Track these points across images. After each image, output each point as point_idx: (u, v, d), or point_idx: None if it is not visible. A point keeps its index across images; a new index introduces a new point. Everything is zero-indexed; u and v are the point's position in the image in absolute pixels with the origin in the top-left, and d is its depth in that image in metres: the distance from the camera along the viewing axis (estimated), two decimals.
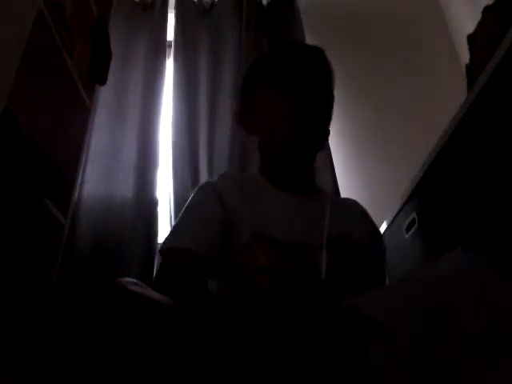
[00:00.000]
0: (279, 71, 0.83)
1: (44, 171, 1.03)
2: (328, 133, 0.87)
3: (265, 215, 0.76)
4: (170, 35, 1.80)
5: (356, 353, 0.42)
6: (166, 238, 0.75)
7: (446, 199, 0.94)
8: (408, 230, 1.10)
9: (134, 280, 0.52)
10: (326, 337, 0.46)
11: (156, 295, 0.50)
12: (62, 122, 1.24)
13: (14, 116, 0.95)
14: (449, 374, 0.41)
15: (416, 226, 1.06)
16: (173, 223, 1.45)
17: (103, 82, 1.36)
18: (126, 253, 1.38)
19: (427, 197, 1.03)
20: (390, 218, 1.22)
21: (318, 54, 0.86)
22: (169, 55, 1.79)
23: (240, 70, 1.65)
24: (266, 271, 0.70)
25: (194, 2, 1.87)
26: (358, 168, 1.72)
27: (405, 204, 1.13)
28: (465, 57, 1.02)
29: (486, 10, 0.92)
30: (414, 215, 1.07)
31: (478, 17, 0.95)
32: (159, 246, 0.76)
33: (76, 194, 1.36)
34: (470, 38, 0.98)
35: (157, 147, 1.58)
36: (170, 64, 1.76)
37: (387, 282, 0.88)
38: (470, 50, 0.98)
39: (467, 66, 0.98)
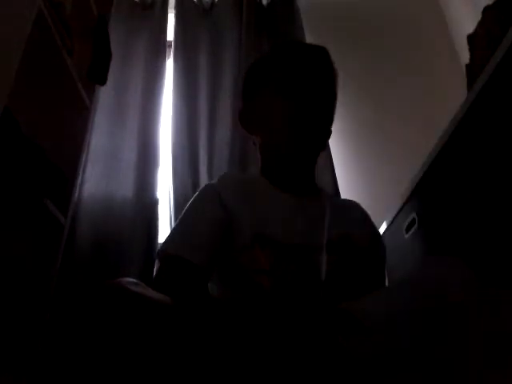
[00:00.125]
0: (280, 74, 0.82)
1: (44, 171, 1.03)
2: (330, 133, 0.87)
3: (265, 216, 0.76)
4: (170, 35, 1.80)
5: (335, 343, 0.44)
6: (166, 243, 0.74)
7: (446, 199, 0.94)
8: (408, 230, 1.10)
9: (135, 280, 0.52)
10: (311, 331, 0.47)
11: (156, 295, 0.50)
12: (62, 122, 1.24)
13: (14, 116, 0.94)
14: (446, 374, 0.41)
15: (416, 225, 1.06)
16: (173, 223, 1.45)
17: (103, 82, 1.36)
18: (126, 253, 1.38)
19: (427, 197, 1.03)
20: (390, 218, 1.22)
21: (320, 54, 0.84)
22: (169, 55, 1.79)
23: (240, 70, 1.65)
24: (267, 272, 0.70)
25: (193, 2, 1.87)
26: (357, 168, 1.72)
27: (405, 204, 1.13)
28: (465, 57, 1.02)
29: (486, 10, 0.92)
30: (413, 215, 1.07)
31: (478, 17, 0.95)
32: (159, 246, 0.76)
33: (76, 194, 1.36)
34: (470, 38, 0.98)
35: (157, 147, 1.58)
36: (169, 64, 1.76)
37: (387, 283, 0.88)
38: (470, 50, 0.98)
39: (467, 66, 0.98)
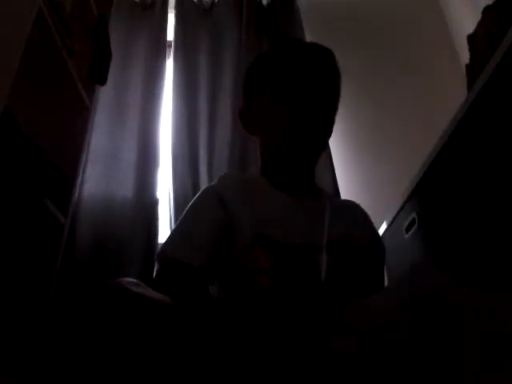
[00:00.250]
0: (282, 79, 0.80)
1: (44, 171, 1.03)
2: (330, 134, 0.86)
3: (265, 216, 0.76)
4: (170, 35, 1.80)
5: (320, 339, 0.45)
6: (165, 245, 0.74)
7: (446, 199, 0.94)
8: (408, 230, 1.10)
9: (135, 280, 0.52)
10: (299, 329, 0.47)
11: (157, 295, 0.50)
12: (62, 122, 1.24)
13: (14, 116, 0.94)
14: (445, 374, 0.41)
15: (416, 225, 1.06)
16: (173, 223, 1.45)
17: (103, 82, 1.36)
18: (126, 253, 1.38)
19: (427, 197, 1.03)
20: (390, 218, 1.22)
21: (325, 58, 0.82)
22: (169, 55, 1.79)
23: (240, 70, 1.65)
24: (267, 272, 0.70)
25: (193, 2, 1.87)
26: (357, 168, 1.72)
27: (405, 204, 1.13)
28: (465, 57, 1.02)
29: (486, 10, 0.92)
30: (413, 215, 1.07)
31: (478, 17, 0.95)
32: (159, 246, 0.76)
33: (76, 194, 1.36)
34: (470, 38, 0.98)
35: (157, 147, 1.58)
36: (169, 64, 1.76)
37: (386, 283, 0.88)
38: (470, 50, 0.98)
39: (467, 66, 0.98)
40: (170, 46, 1.79)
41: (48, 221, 1.08)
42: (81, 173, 1.40)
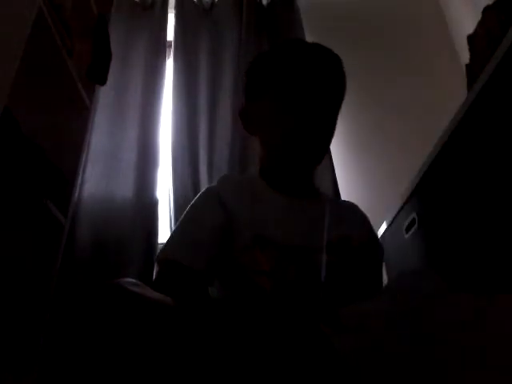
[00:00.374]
0: (284, 78, 0.79)
1: (44, 171, 1.03)
2: (332, 136, 0.85)
3: (265, 217, 0.76)
4: (170, 35, 1.80)
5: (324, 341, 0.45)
6: (165, 247, 0.74)
7: (446, 199, 0.94)
8: (408, 230, 1.10)
9: (134, 280, 0.52)
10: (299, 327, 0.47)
11: (156, 295, 0.50)
12: (62, 122, 1.24)
13: (14, 116, 0.95)
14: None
15: (416, 226, 1.06)
16: (173, 223, 1.45)
17: (103, 82, 1.36)
18: (126, 253, 1.38)
19: (427, 197, 1.03)
20: (390, 218, 1.22)
21: (327, 57, 0.81)
22: (169, 55, 1.79)
23: (240, 71, 1.65)
24: (267, 273, 0.70)
25: (193, 2, 1.87)
26: (357, 168, 1.72)
27: (405, 204, 1.13)
28: (465, 57, 1.02)
29: (486, 10, 0.92)
30: (413, 215, 1.07)
31: (478, 17, 0.95)
32: (159, 246, 0.76)
33: (76, 194, 1.36)
34: (470, 38, 0.98)
35: (157, 147, 1.58)
36: (169, 64, 1.76)
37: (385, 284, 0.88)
38: (470, 49, 0.98)
39: (467, 66, 0.98)
40: (169, 46, 1.79)
41: (48, 221, 1.08)
42: (81, 173, 1.40)
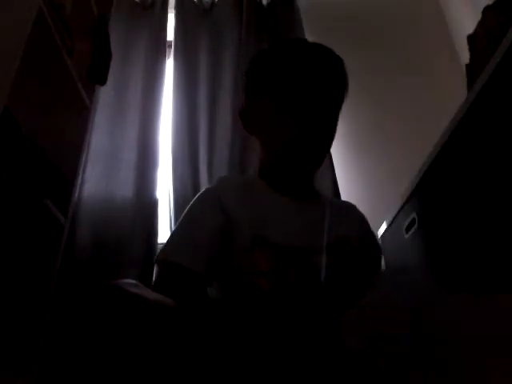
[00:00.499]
0: (286, 79, 0.77)
1: (44, 171, 1.03)
2: (333, 138, 0.84)
3: (265, 218, 0.76)
4: (170, 35, 1.80)
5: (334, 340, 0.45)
6: (165, 249, 0.73)
7: (446, 199, 0.94)
8: (408, 230, 1.10)
9: (134, 281, 0.52)
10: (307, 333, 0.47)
11: (156, 296, 0.50)
12: (61, 122, 1.24)
13: (14, 116, 0.95)
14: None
15: (416, 226, 1.06)
16: (173, 223, 1.45)
17: (103, 82, 1.36)
18: (126, 253, 1.38)
19: (427, 197, 1.03)
20: (390, 218, 1.22)
21: (329, 57, 0.80)
22: (169, 55, 1.79)
23: (240, 70, 1.65)
24: (266, 274, 0.70)
25: (194, 2, 1.88)
26: (357, 168, 1.72)
27: (405, 204, 1.13)
28: (465, 57, 1.02)
29: (486, 10, 0.92)
30: (414, 215, 1.07)
31: (478, 17, 0.95)
32: (159, 247, 0.76)
33: (76, 194, 1.36)
34: (470, 38, 0.98)
35: (157, 147, 1.58)
36: (169, 64, 1.76)
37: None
38: (470, 49, 0.98)
39: (467, 66, 0.98)
40: (169, 46, 1.79)
41: (48, 221, 1.07)
42: (81, 173, 1.40)
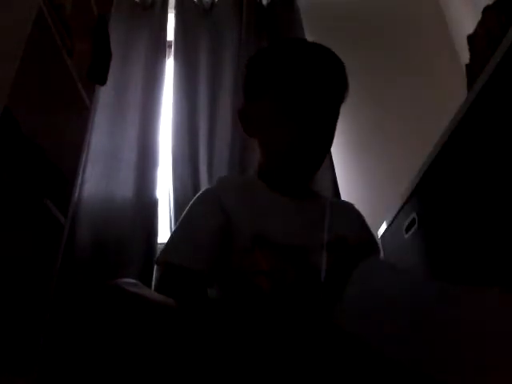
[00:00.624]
0: (286, 81, 0.76)
1: (44, 171, 1.03)
2: (333, 140, 0.84)
3: (264, 218, 0.76)
4: (170, 35, 1.80)
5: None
6: (166, 251, 0.73)
7: (446, 199, 0.94)
8: (408, 230, 1.10)
9: (133, 281, 0.52)
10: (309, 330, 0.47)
11: (156, 296, 0.50)
12: (61, 122, 1.24)
13: (14, 116, 0.94)
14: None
15: (416, 225, 1.06)
16: (173, 223, 1.45)
17: (103, 82, 1.36)
18: (126, 253, 1.38)
19: (427, 197, 1.03)
20: (390, 218, 1.23)
21: (329, 59, 0.79)
22: (169, 55, 1.79)
23: (240, 70, 1.65)
24: (266, 274, 0.70)
25: (194, 2, 1.88)
26: (358, 168, 1.72)
27: (405, 204, 1.13)
28: (465, 57, 1.02)
29: (486, 10, 0.92)
30: (414, 215, 1.07)
31: (478, 17, 0.95)
32: (159, 247, 0.76)
33: (76, 194, 1.36)
34: (470, 38, 0.98)
35: (157, 147, 1.58)
36: (170, 64, 1.76)
37: None
38: (470, 49, 0.98)
39: (467, 66, 0.98)
40: (169, 46, 1.79)
41: (48, 221, 1.07)
42: (81, 173, 1.40)
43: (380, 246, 1.14)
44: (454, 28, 1.92)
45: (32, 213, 1.04)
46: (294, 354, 0.45)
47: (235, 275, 0.73)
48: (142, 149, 1.55)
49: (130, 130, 1.59)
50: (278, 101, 0.77)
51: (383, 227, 1.28)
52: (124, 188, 1.49)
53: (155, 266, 1.22)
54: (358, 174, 1.70)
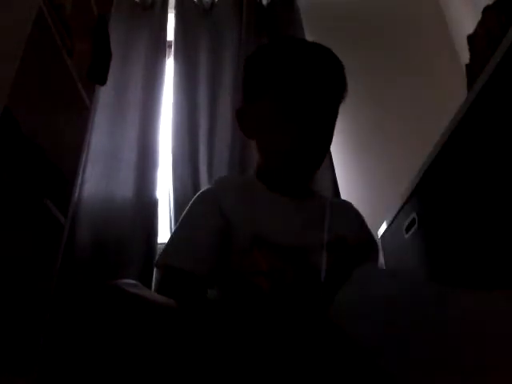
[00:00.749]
0: (286, 86, 0.76)
1: (44, 171, 1.03)
2: (331, 141, 0.84)
3: (263, 218, 0.76)
4: (170, 35, 1.80)
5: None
6: (166, 253, 0.73)
7: (446, 199, 0.94)
8: (408, 230, 1.10)
9: (133, 281, 0.52)
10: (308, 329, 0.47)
11: (155, 297, 0.50)
12: (62, 122, 1.24)
13: (14, 116, 0.94)
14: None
15: (416, 226, 1.06)
16: (173, 223, 1.45)
17: (103, 82, 1.36)
18: (126, 253, 1.38)
19: (427, 197, 1.03)
20: (390, 218, 1.23)
21: (332, 66, 0.79)
22: (169, 55, 1.79)
23: (240, 70, 1.65)
24: (265, 274, 0.70)
25: (194, 2, 1.87)
26: (358, 168, 1.72)
27: (405, 204, 1.13)
28: (465, 57, 1.02)
29: (486, 10, 0.92)
30: (414, 215, 1.07)
31: (478, 17, 0.95)
32: (159, 247, 0.76)
33: (76, 194, 1.36)
34: (470, 38, 0.98)
35: (157, 147, 1.58)
36: (170, 64, 1.76)
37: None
38: (470, 49, 0.98)
39: (467, 66, 0.98)
40: (170, 46, 1.79)
41: (48, 221, 1.07)
42: (81, 173, 1.40)
43: (380, 245, 1.15)
44: (454, 28, 1.92)
45: (32, 213, 1.04)
46: (294, 353, 0.45)
47: (235, 276, 0.73)
48: (142, 149, 1.55)
49: (130, 129, 1.59)
50: (277, 101, 0.77)
51: (383, 227, 1.28)
52: (124, 188, 1.49)
53: (155, 269, 1.22)
54: (358, 173, 1.70)
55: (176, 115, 1.63)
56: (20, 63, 0.88)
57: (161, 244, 1.41)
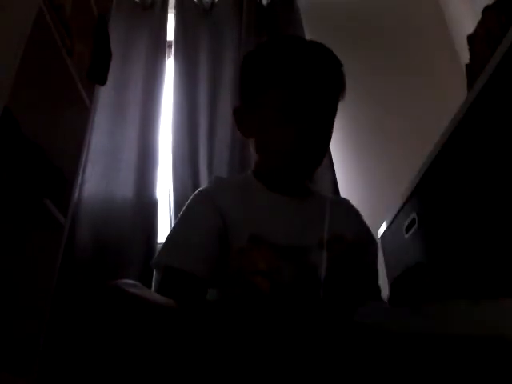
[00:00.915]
0: (285, 87, 0.75)
1: (44, 171, 1.03)
2: (329, 143, 0.84)
3: (262, 218, 0.76)
4: (170, 35, 1.80)
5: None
6: (165, 253, 0.73)
7: (446, 199, 0.94)
8: (408, 230, 1.10)
9: (133, 281, 0.52)
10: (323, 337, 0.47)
11: (155, 297, 0.50)
12: (62, 122, 1.24)
13: (14, 116, 0.94)
14: None
15: (416, 226, 1.06)
16: (173, 223, 1.45)
17: (103, 81, 1.36)
18: (126, 253, 1.38)
19: (427, 197, 1.03)
20: (390, 218, 1.22)
21: (331, 67, 0.78)
22: (169, 55, 1.79)
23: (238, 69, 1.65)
24: (265, 274, 0.70)
25: (194, 1, 1.88)
26: (358, 168, 1.72)
27: (405, 204, 1.13)
28: (465, 57, 1.02)
29: (486, 10, 0.92)
30: (414, 215, 1.07)
31: (478, 17, 0.95)
32: (159, 247, 0.75)
33: (76, 194, 1.36)
34: (470, 38, 0.98)
35: (157, 147, 1.58)
36: (170, 64, 1.76)
37: (380, 282, 0.88)
38: (470, 50, 0.98)
39: (467, 66, 0.98)
40: (170, 46, 1.79)
41: (48, 221, 1.08)
42: (81, 173, 1.40)
43: (380, 245, 1.15)
44: (454, 28, 1.92)
45: (32, 213, 1.04)
46: (293, 353, 0.45)
47: (233, 275, 0.73)
48: (142, 149, 1.55)
49: (130, 129, 1.59)
50: (276, 101, 0.77)
51: (383, 227, 1.28)
52: (124, 188, 1.49)
53: (155, 269, 1.21)
54: (358, 173, 1.70)
55: (176, 115, 1.63)
56: (20, 63, 0.88)
57: (161, 244, 1.41)
